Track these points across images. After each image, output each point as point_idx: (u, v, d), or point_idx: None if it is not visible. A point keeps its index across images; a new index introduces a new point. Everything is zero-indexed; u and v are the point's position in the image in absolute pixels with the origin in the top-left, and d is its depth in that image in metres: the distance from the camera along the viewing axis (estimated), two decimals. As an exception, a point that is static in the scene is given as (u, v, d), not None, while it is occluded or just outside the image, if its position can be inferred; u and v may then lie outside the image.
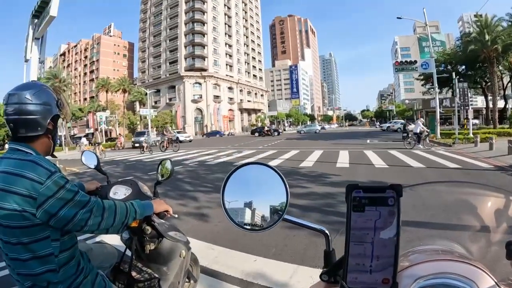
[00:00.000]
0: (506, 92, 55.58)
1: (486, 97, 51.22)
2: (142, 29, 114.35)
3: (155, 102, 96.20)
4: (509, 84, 52.62)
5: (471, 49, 42.17)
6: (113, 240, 3.38)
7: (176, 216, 2.39)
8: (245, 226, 1.23)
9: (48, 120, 1.83)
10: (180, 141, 43.25)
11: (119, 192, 2.45)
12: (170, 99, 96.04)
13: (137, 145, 40.95)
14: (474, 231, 1.46)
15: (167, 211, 2.24)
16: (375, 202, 0.96)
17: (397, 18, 36.57)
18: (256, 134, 62.96)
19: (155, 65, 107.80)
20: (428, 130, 23.96)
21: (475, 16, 47.84)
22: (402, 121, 65.91)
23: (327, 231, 1.19)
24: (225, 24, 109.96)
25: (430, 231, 1.85)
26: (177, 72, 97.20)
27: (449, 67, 48.19)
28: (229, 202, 1.27)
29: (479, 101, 59.19)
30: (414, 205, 1.73)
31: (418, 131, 22.31)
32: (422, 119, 26.05)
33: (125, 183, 2.54)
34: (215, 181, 11.59)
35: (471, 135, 26.27)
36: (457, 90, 31.06)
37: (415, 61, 35.63)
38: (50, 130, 1.87)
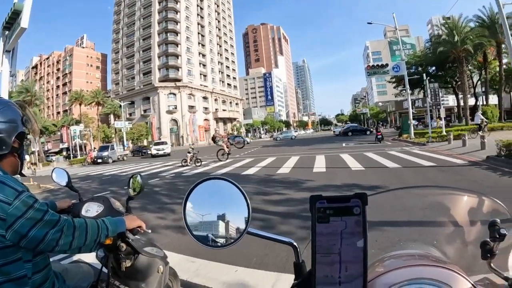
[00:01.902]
0: (476, 90, 56.80)
1: (457, 95, 52.54)
2: (115, 40, 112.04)
3: (130, 114, 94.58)
4: (479, 82, 53.98)
5: (440, 50, 43.57)
6: (90, 259, 3.33)
7: (150, 231, 2.33)
8: (208, 243, 1.20)
9: (13, 138, 1.76)
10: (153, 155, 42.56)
11: (91, 210, 2.39)
12: (144, 111, 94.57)
13: (99, 160, 39.61)
14: (450, 234, 1.50)
15: (140, 226, 2.18)
16: (340, 212, 0.94)
17: (368, 23, 37.15)
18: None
19: (129, 76, 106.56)
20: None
21: (444, 18, 49.28)
22: (357, 125, 67.58)
23: (295, 243, 1.17)
24: (199, 33, 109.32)
25: (406, 235, 1.85)
26: (151, 83, 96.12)
27: (420, 68, 49.46)
28: (191, 218, 1.25)
29: (451, 100, 60.30)
30: (389, 210, 1.73)
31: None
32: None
33: (97, 200, 2.48)
34: None
35: (444, 133, 26.74)
36: (429, 90, 31.68)
37: (387, 65, 36.45)
38: (16, 148, 1.81)
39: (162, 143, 48.40)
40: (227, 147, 24.81)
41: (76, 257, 5.13)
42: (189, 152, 23.31)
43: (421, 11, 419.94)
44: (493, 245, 1.12)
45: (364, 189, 9.72)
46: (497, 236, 1.11)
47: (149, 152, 47.38)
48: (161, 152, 43.53)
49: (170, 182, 15.67)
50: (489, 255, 1.13)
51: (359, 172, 13.80)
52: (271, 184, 12.18)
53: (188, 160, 22.87)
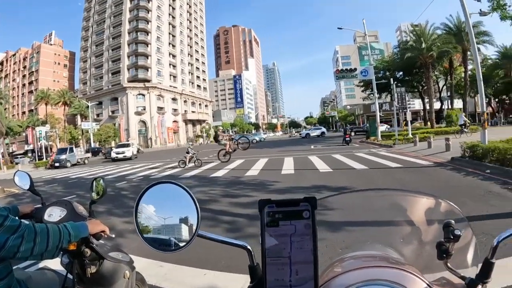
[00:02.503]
0: (442, 94, 58.81)
1: (423, 99, 53.66)
2: (84, 38, 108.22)
3: (97, 115, 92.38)
4: (444, 87, 56.01)
5: (408, 56, 45.04)
6: (55, 265, 3.26)
7: (113, 236, 2.28)
8: (160, 247, 1.20)
9: None
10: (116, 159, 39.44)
11: (54, 214, 2.33)
12: (112, 112, 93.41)
13: (56, 164, 36.41)
14: (407, 235, 1.53)
15: (103, 231, 2.13)
16: (289, 216, 0.96)
17: (338, 28, 37.78)
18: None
19: (97, 75, 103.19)
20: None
21: (412, 26, 50.65)
22: (322, 128, 68.40)
23: (249, 247, 1.17)
24: (169, 33, 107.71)
25: (365, 236, 1.88)
26: (120, 83, 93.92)
27: (387, 73, 50.50)
28: (143, 222, 1.24)
29: (417, 104, 61.55)
30: (349, 211, 1.81)
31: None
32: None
33: (60, 204, 2.41)
34: None
35: (410, 135, 27.35)
36: (395, 94, 32.36)
37: (355, 69, 37.22)
38: None
39: (125, 145, 45.09)
40: (230, 147, 23.21)
41: (42, 264, 5.04)
42: (187, 152, 22.19)
43: (391, 18, 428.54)
44: (449, 245, 1.16)
45: (332, 190, 9.89)
46: (451, 237, 1.15)
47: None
48: (120, 156, 39.81)
49: (137, 185, 15.40)
50: (444, 255, 1.16)
51: (327, 173, 13.93)
52: (239, 187, 12.17)
53: (187, 161, 21.76)
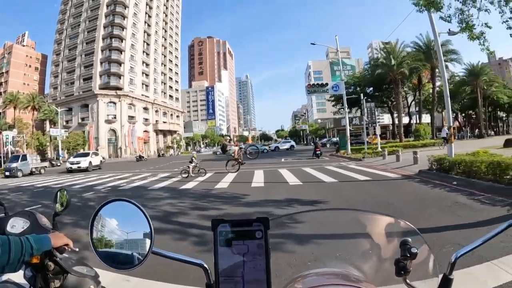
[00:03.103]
0: (411, 109, 60.44)
1: (392, 114, 55.45)
2: (57, 41, 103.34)
3: (67, 122, 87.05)
4: (413, 102, 57.77)
5: (378, 72, 46.91)
6: (19, 278, 3.11)
7: (77, 250, 2.16)
8: (114, 265, 1.17)
9: None
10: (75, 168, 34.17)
11: (17, 225, 2.23)
12: (82, 119, 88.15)
13: (7, 173, 32.17)
14: (367, 253, 1.54)
15: (67, 244, 2.02)
16: (242, 236, 0.96)
17: (311, 44, 38.64)
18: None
19: (69, 81, 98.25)
20: None
21: (383, 43, 52.12)
22: (291, 141, 69.07)
23: (205, 265, 1.16)
24: (144, 41, 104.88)
25: (326, 254, 1.88)
26: (91, 90, 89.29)
27: (358, 88, 51.51)
28: (98, 240, 1.21)
29: (386, 118, 62.95)
30: (311, 228, 1.84)
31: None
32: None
33: (23, 215, 2.32)
34: None
35: (379, 149, 27.78)
36: (365, 109, 33.01)
37: (326, 84, 37.62)
38: None
39: (84, 154, 39.51)
40: (239, 157, 22.78)
41: (4, 277, 4.84)
42: (191, 162, 21.08)
43: (363, 36, 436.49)
44: (406, 262, 1.18)
45: (301, 203, 9.95)
46: (408, 254, 1.18)
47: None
48: (75, 167, 34.49)
49: (104, 196, 14.91)
50: (403, 272, 1.18)
51: (297, 186, 13.92)
52: (209, 199, 12.02)
53: (191, 171, 20.57)
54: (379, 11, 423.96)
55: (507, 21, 11.50)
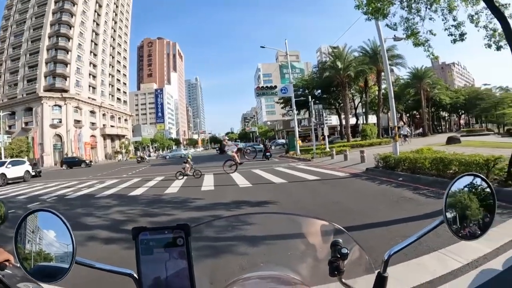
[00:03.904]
0: (357, 111, 62.51)
1: (339, 115, 56.96)
2: (1, 39, 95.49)
3: (10, 127, 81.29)
4: (360, 104, 59.75)
5: (326, 75, 48.63)
6: None
7: (19, 265, 2.06)
8: (38, 277, 1.11)
9: None
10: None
11: None
12: (26, 123, 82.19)
13: None
14: (303, 255, 1.58)
15: (7, 260, 1.91)
16: (163, 243, 0.96)
17: (261, 47, 38.31)
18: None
19: (12, 82, 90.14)
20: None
21: (331, 47, 53.56)
22: (240, 143, 69.55)
23: (135, 274, 1.08)
24: (92, 41, 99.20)
25: (262, 257, 1.87)
26: (35, 92, 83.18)
27: (306, 91, 52.20)
28: (22, 252, 1.14)
29: (334, 120, 64.29)
30: (245, 233, 1.86)
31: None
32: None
33: None
34: (76, 217, 10.15)
35: (327, 149, 28.28)
36: (313, 111, 33.45)
37: (275, 86, 37.98)
38: None
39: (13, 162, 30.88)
40: (238, 157, 22.46)
41: None
42: (185, 162, 20.45)
43: (313, 40, 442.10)
44: (339, 262, 1.21)
45: (251, 205, 9.97)
46: (339, 255, 1.22)
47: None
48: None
49: (51, 206, 14.38)
50: (336, 272, 1.21)
51: (247, 188, 13.93)
52: (159, 205, 11.77)
53: (187, 171, 19.93)
54: (329, 17, 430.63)
55: (449, 28, 11.95)
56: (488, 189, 1.23)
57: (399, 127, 32.15)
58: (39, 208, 1.18)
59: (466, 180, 1.25)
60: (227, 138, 25.91)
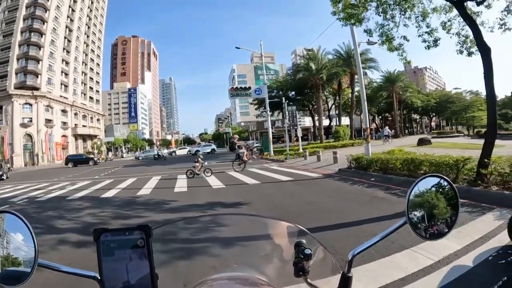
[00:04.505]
0: (331, 113, 63.23)
1: (313, 117, 57.48)
2: None
3: None
4: (333, 106, 60.48)
5: (300, 77, 49.13)
6: None
7: None
8: (3, 281, 1.06)
9: None
10: None
11: None
12: None
13: None
14: (268, 256, 1.59)
15: None
16: (124, 244, 0.95)
17: (236, 48, 38.28)
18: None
19: None
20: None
21: (306, 50, 54.01)
22: (213, 145, 69.26)
23: (99, 276, 1.05)
24: (65, 38, 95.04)
25: (229, 258, 1.85)
26: (5, 89, 78.85)
27: (280, 92, 52.52)
28: None
29: (307, 121, 64.76)
30: (211, 234, 1.82)
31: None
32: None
33: None
34: (47, 220, 9.96)
35: (301, 150, 28.47)
36: (287, 112, 33.64)
37: (249, 87, 38.20)
38: None
39: None
40: (246, 156, 22.95)
41: None
42: (196, 162, 20.21)
43: (288, 42, 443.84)
44: (303, 263, 1.23)
45: (225, 206, 9.97)
46: (302, 256, 1.24)
47: None
48: None
49: (21, 209, 13.80)
50: (301, 273, 1.23)
51: (220, 190, 13.89)
52: (132, 207, 11.59)
53: (197, 170, 19.63)
54: (305, 19, 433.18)
55: (422, 34, 12.21)
56: (451, 189, 1.26)
57: (380, 129, 32.78)
58: (1, 210, 1.13)
59: (429, 181, 1.28)
60: (237, 137, 26.53)
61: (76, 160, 55.08)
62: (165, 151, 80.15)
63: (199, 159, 20.27)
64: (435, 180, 1.27)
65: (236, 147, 23.77)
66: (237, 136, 28.88)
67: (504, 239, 5.02)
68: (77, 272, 1.12)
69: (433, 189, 1.26)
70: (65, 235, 7.52)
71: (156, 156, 54.65)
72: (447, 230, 1.22)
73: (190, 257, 1.79)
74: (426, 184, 1.26)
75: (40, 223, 9.63)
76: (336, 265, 1.33)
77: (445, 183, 1.27)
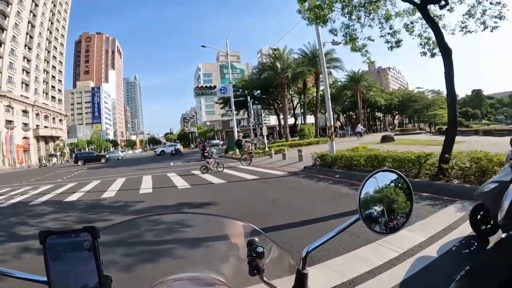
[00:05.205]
0: (296, 111, 63.96)
1: (278, 116, 58.20)
2: None
3: None
4: (298, 104, 61.16)
5: (265, 76, 49.38)
6: None
7: None
8: None
9: None
10: None
11: None
12: None
13: None
14: (223, 256, 1.60)
15: None
16: (71, 247, 0.93)
17: (202, 46, 38.17)
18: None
19: None
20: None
21: (271, 49, 54.56)
22: (177, 145, 68.94)
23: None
24: (27, 34, 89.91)
25: (184, 259, 1.82)
26: None
27: (246, 91, 52.35)
28: None
29: (273, 120, 65.21)
30: (165, 235, 1.76)
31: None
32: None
33: None
34: (9, 227, 9.49)
35: (266, 149, 28.61)
36: (252, 111, 33.76)
37: (215, 86, 38.22)
38: None
39: None
40: (250, 152, 23.86)
41: None
42: (209, 157, 20.81)
43: (254, 42, 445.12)
44: (257, 261, 1.22)
45: (192, 206, 9.93)
46: (254, 254, 1.23)
47: None
48: None
49: None
50: (256, 271, 1.22)
51: (186, 190, 13.80)
52: (96, 210, 11.31)
53: (211, 166, 20.20)
54: (271, 18, 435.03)
55: (385, 35, 12.55)
56: (403, 182, 1.28)
57: (345, 127, 33.35)
58: None
59: (382, 176, 1.29)
60: (242, 135, 27.28)
61: (86, 158, 52.45)
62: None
63: (213, 155, 21.18)
64: (387, 175, 1.29)
65: (242, 144, 25.02)
66: (241, 134, 29.75)
67: (466, 230, 5.20)
68: (29, 277, 1.09)
69: (386, 183, 1.27)
70: (27, 243, 7.19)
71: (174, 152, 54.98)
72: (401, 223, 1.24)
73: (144, 258, 1.75)
74: (379, 179, 1.28)
75: (2, 230, 9.33)
76: (292, 263, 1.35)
77: (397, 177, 1.28)
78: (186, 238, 1.76)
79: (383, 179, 1.27)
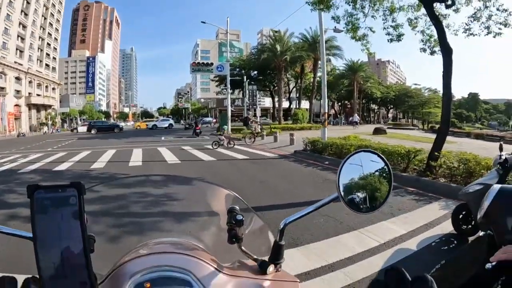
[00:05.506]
0: (291, 95, 63.81)
1: (273, 98, 57.92)
2: None
3: None
4: (294, 89, 60.98)
5: (264, 57, 48.96)
6: None
7: None
8: None
9: None
10: None
11: None
12: None
13: None
14: (204, 222, 1.65)
15: None
16: (57, 202, 0.92)
17: (202, 22, 37.94)
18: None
19: None
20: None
21: (272, 31, 54.25)
22: (170, 120, 68.72)
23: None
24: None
25: (164, 223, 1.84)
26: None
27: (243, 71, 52.28)
28: None
29: (267, 102, 65.07)
30: (148, 199, 1.84)
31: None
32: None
33: None
34: None
35: (258, 130, 28.60)
36: (247, 91, 33.65)
37: (212, 63, 37.80)
38: None
39: None
40: (258, 132, 24.65)
41: None
42: (221, 134, 21.22)
43: (255, 22, 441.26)
44: (236, 230, 1.23)
45: None
46: (234, 221, 1.23)
47: None
48: None
49: None
50: (234, 239, 1.22)
51: (175, 165, 13.90)
52: (84, 180, 11.08)
53: (224, 142, 20.27)
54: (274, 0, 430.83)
55: (388, 28, 12.52)
56: (385, 164, 1.28)
57: (338, 116, 33.48)
58: None
59: (362, 156, 1.28)
60: (250, 113, 27.53)
61: (100, 127, 52.55)
62: (122, 124, 76.95)
63: (225, 131, 22.03)
64: (367, 156, 1.28)
65: (250, 122, 26.13)
66: (250, 112, 30.12)
67: (447, 227, 5.28)
68: (14, 232, 1.13)
69: (365, 164, 1.27)
70: (15, 210, 7.22)
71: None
72: (379, 203, 1.25)
73: (128, 221, 1.76)
74: (359, 160, 1.27)
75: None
76: (269, 233, 1.38)
77: (379, 159, 1.28)
78: (171, 202, 1.77)
79: (363, 160, 1.26)
